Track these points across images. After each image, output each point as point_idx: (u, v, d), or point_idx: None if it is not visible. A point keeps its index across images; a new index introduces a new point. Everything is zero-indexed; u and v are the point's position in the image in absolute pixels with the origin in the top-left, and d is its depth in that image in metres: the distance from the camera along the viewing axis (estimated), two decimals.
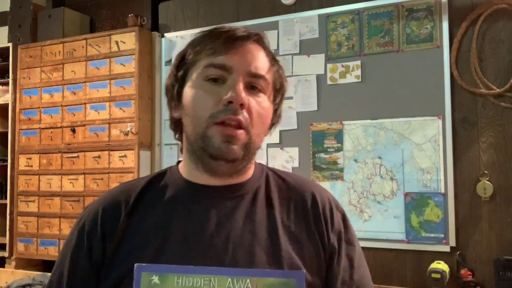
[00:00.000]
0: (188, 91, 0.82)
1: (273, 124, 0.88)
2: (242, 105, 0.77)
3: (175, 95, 0.85)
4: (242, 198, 0.83)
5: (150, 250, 0.77)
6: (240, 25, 0.84)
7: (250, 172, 0.86)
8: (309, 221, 0.83)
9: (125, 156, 2.93)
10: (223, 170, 0.81)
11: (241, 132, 0.77)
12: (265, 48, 0.84)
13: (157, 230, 0.79)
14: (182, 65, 0.84)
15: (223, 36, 0.80)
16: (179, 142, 0.89)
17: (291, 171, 2.68)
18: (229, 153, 0.77)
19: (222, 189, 0.82)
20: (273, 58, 0.85)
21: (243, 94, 0.77)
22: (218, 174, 0.81)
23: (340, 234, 0.85)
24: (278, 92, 0.86)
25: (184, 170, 0.86)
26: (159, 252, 0.77)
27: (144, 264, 0.66)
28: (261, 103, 0.81)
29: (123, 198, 0.84)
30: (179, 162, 0.90)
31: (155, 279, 0.64)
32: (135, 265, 0.65)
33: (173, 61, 0.86)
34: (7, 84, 3.41)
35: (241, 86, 0.77)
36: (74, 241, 0.83)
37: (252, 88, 0.80)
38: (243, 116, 0.77)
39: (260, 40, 0.83)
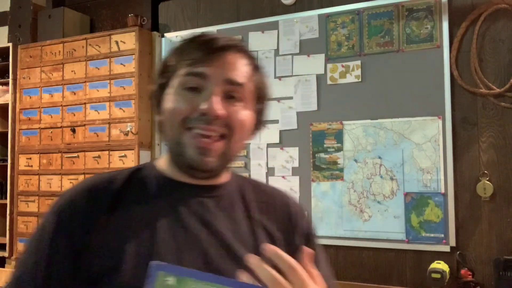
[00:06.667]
0: (167, 98, 0.84)
1: (255, 130, 0.90)
2: (217, 117, 0.78)
3: (158, 100, 0.87)
4: (221, 198, 0.87)
5: (139, 244, 0.77)
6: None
7: (227, 175, 0.90)
8: (284, 223, 0.90)
9: (125, 156, 2.93)
10: (199, 177, 0.84)
11: (217, 143, 0.80)
12: (247, 57, 0.85)
13: (143, 224, 0.79)
14: (165, 72, 0.86)
15: (204, 46, 0.81)
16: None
17: (291, 171, 2.70)
18: (204, 165, 0.81)
19: (203, 188, 0.85)
20: (255, 67, 0.86)
21: (219, 105, 0.78)
22: (196, 178, 0.85)
23: (308, 236, 0.92)
24: (260, 101, 0.88)
25: (165, 167, 0.88)
26: (148, 247, 0.77)
27: (162, 263, 0.64)
28: (240, 112, 0.82)
29: (103, 188, 0.82)
30: (152, 160, 0.93)
31: (171, 280, 0.63)
32: (152, 262, 0.64)
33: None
34: (7, 84, 3.41)
35: (217, 97, 0.79)
36: (51, 228, 0.78)
37: (231, 97, 0.81)
38: (218, 127, 0.79)
39: (241, 50, 0.85)
